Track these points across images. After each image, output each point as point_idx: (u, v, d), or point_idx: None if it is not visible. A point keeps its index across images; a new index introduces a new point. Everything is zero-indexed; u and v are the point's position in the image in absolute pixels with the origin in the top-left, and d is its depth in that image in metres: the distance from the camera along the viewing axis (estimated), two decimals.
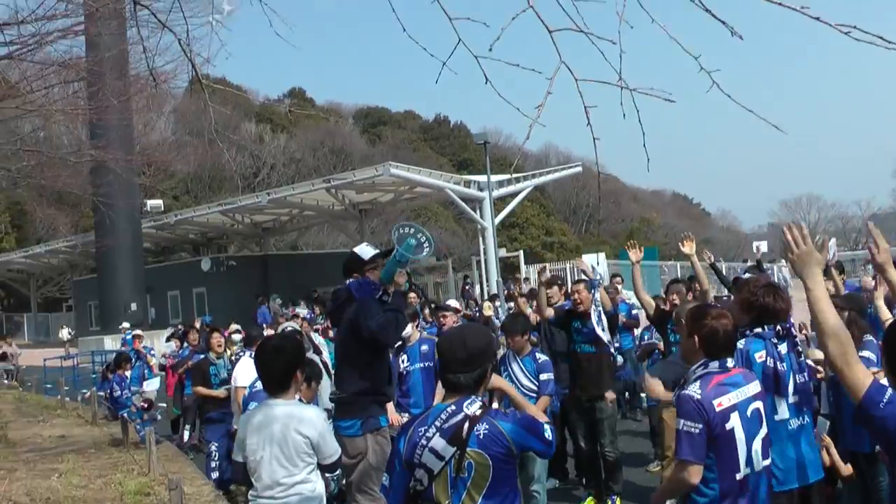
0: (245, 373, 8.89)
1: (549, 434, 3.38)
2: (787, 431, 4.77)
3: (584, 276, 8.58)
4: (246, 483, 8.16)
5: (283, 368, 4.54)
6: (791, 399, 4.81)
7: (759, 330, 4.90)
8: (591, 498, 8.31)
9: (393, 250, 5.75)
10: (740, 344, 4.75)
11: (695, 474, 3.84)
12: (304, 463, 4.55)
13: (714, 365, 4.05)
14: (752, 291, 5.03)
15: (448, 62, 3.47)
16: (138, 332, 19.15)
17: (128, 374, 14.11)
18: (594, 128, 3.17)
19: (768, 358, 4.77)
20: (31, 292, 56.76)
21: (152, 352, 17.92)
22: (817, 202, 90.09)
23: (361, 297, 5.61)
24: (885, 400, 2.85)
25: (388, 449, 5.14)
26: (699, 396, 3.90)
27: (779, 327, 4.92)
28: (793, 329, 5.19)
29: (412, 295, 9.48)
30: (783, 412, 4.78)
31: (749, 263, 16.23)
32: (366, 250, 5.92)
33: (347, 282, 5.67)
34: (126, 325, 29.63)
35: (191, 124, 54.06)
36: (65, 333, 40.50)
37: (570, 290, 8.89)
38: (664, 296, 8.63)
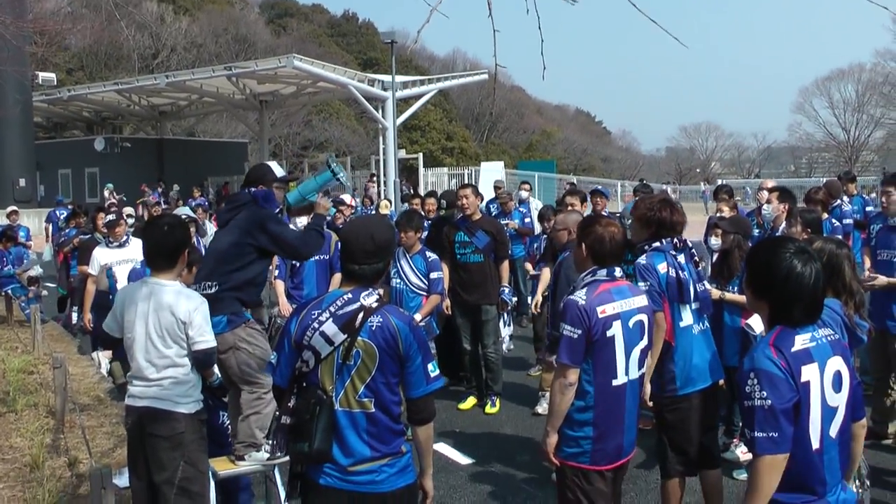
0: (94, 260, 9.01)
1: (433, 368, 3.44)
2: (691, 336, 4.94)
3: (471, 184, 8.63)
4: (105, 346, 8.29)
5: (171, 245, 4.53)
6: (693, 305, 4.98)
7: (657, 244, 4.99)
8: (471, 397, 8.55)
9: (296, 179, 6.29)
10: (642, 259, 4.93)
11: (572, 375, 3.99)
12: (177, 346, 4.45)
13: (602, 273, 4.13)
14: (648, 207, 5.08)
15: None
16: (13, 207, 18.64)
17: (13, 250, 13.96)
18: (495, 21, 3.21)
19: (670, 268, 4.88)
20: None
21: (29, 232, 17.52)
22: (715, 130, 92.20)
23: (269, 207, 5.69)
24: None
25: (259, 336, 5.23)
26: (583, 302, 4.00)
27: (675, 240, 5.03)
28: (689, 241, 5.31)
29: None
30: (687, 318, 4.94)
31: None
32: (278, 168, 6.04)
33: (251, 189, 5.64)
34: None
35: None
36: None
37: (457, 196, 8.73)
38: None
